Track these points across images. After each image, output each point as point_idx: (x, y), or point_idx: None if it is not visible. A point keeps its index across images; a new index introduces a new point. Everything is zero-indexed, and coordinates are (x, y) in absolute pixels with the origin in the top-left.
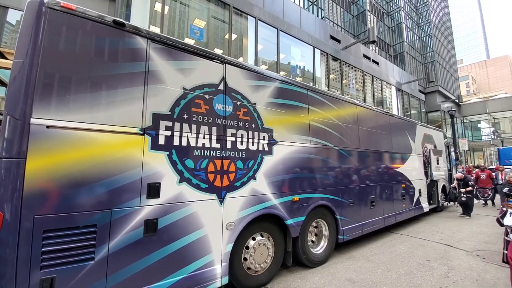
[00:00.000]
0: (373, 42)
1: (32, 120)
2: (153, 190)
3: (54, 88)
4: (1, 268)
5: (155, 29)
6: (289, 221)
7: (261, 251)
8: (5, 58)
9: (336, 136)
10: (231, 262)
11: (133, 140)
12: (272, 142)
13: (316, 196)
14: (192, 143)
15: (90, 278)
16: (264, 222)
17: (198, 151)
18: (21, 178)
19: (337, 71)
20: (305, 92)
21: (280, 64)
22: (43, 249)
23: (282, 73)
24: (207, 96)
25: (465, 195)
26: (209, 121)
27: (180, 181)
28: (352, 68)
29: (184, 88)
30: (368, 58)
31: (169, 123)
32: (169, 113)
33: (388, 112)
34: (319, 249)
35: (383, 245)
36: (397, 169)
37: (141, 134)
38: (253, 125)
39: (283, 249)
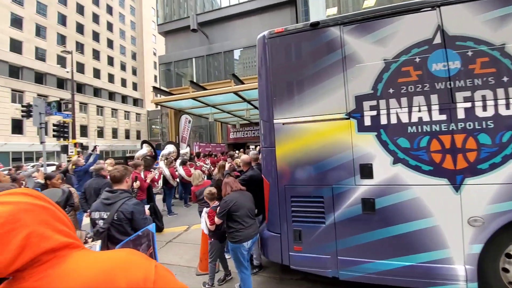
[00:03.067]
0: None
1: (275, 121)
2: (366, 171)
3: (283, 95)
4: (272, 217)
5: (333, 11)
6: None
7: None
8: (242, 83)
9: None
10: (480, 267)
11: (341, 125)
12: None
13: None
14: (404, 119)
15: (324, 237)
16: None
17: (414, 127)
18: (274, 160)
19: None
20: None
21: None
22: (292, 209)
23: None
24: (417, 59)
25: None
26: (425, 88)
27: (394, 162)
28: None
29: (385, 60)
30: None
31: (373, 102)
32: (372, 91)
33: None
34: None
35: None
36: None
37: (347, 118)
38: (504, 79)
39: None
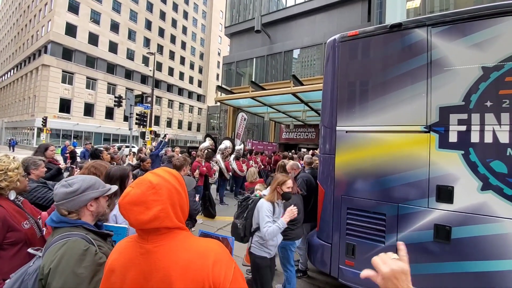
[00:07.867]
0: None
1: (337, 128)
2: (444, 194)
3: (349, 102)
4: (324, 226)
5: (415, 3)
6: None
7: None
8: (302, 84)
9: None
10: None
11: (417, 138)
12: None
13: None
14: (503, 139)
15: None
16: None
17: None
18: (332, 168)
19: None
20: None
21: None
22: (347, 221)
23: None
24: None
25: None
26: None
27: (484, 189)
28: None
29: (483, 68)
30: None
31: (463, 116)
32: (462, 103)
33: None
34: None
35: None
36: None
37: (425, 132)
38: None
39: None
